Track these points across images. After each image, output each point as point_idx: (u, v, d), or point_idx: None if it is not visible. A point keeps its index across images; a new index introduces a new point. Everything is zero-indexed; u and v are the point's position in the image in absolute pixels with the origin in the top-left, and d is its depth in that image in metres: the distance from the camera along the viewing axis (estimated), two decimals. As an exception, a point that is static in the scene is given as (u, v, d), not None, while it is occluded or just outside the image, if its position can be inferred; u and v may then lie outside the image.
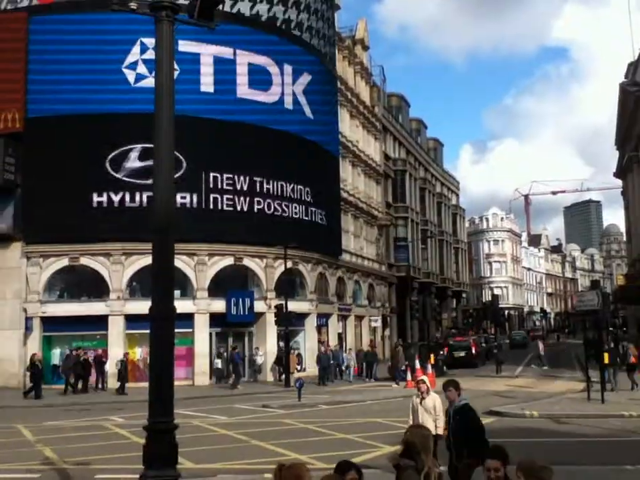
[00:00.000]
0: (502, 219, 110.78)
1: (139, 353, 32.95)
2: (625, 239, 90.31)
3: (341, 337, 43.74)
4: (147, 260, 27.66)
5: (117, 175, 32.44)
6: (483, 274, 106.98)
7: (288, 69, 37.95)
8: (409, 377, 30.69)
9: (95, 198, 32.43)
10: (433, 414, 10.90)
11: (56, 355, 33.02)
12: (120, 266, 32.75)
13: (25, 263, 32.48)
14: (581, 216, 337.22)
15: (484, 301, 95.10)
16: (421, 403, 10.95)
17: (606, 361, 24.72)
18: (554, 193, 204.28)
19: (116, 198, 32.47)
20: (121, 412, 22.24)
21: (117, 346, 32.38)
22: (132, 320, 31.42)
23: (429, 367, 31.61)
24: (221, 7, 6.89)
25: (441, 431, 10.52)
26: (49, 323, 32.55)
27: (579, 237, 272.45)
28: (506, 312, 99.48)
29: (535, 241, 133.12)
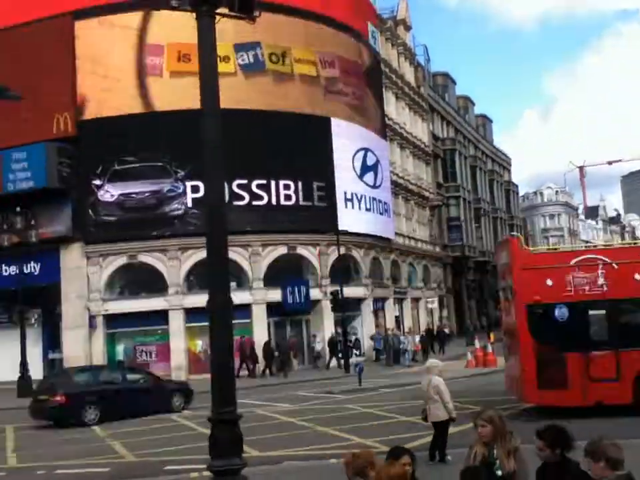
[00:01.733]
0: (557, 192, 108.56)
1: (200, 345, 33.44)
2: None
3: (398, 320, 43.62)
4: (203, 254, 28.00)
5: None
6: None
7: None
8: (469, 356, 30.52)
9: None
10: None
11: (120, 351, 33.81)
12: (176, 261, 33.26)
13: (86, 263, 33.26)
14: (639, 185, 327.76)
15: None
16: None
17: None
18: (610, 162, 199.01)
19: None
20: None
21: (179, 339, 32.96)
22: (191, 313, 31.88)
23: (489, 345, 31.33)
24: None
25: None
26: (111, 320, 33.31)
27: (638, 207, 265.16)
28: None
29: (592, 213, 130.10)
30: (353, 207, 38.02)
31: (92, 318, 32.73)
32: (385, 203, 41.81)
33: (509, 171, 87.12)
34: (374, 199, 39.96)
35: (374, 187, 40.12)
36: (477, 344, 31.83)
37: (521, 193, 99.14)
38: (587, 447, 4.68)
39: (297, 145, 35.06)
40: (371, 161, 40.10)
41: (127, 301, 33.58)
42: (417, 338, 38.31)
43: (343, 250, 34.92)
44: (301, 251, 35.98)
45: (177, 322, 33.10)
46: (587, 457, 4.65)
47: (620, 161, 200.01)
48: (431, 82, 61.26)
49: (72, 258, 33.38)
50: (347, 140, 37.95)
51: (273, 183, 34.70)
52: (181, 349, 32.95)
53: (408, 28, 54.89)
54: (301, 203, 35.44)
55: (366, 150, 39.60)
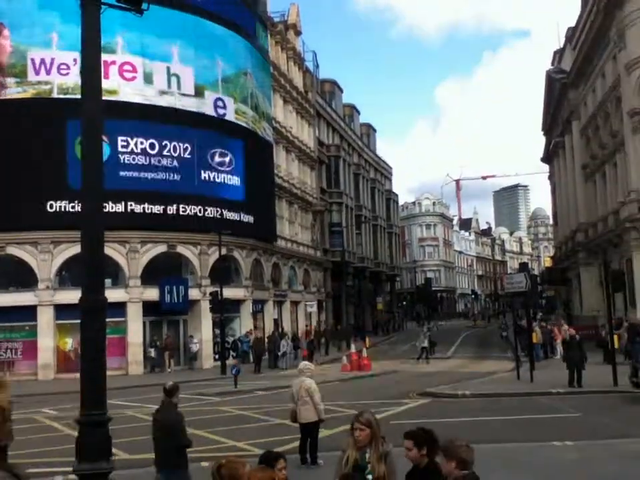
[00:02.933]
0: (434, 203, 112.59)
1: (70, 343, 32.24)
2: (551, 222, 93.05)
3: (277, 323, 43.77)
4: (77, 248, 27.12)
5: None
6: (416, 258, 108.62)
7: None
8: (344, 360, 31.07)
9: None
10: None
11: (-18, 348, 32.03)
12: (48, 255, 31.90)
13: (-53, 253, 31.31)
14: (510, 200, 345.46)
15: (417, 284, 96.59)
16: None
17: (535, 340, 25.53)
18: (484, 177, 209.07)
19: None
20: (51, 404, 21.76)
21: (47, 336, 31.62)
22: (62, 310, 30.68)
23: (364, 350, 32.04)
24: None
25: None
26: (-25, 314, 31.53)
27: (507, 221, 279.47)
28: (438, 294, 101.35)
29: (465, 224, 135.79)
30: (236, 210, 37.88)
31: (-48, 312, 30.84)
32: (269, 206, 41.91)
33: (390, 180, 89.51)
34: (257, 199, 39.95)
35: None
36: (353, 348, 32.46)
37: (401, 202, 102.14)
38: (441, 446, 4.97)
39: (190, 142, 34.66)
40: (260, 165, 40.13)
41: (-8, 294, 31.88)
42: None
43: (224, 250, 34.69)
44: (181, 249, 35.42)
45: (46, 318, 31.75)
46: (440, 454, 4.95)
47: (493, 176, 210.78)
48: (319, 88, 61.99)
49: None
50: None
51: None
52: (50, 346, 31.63)
53: (298, 33, 55.29)
54: (185, 200, 34.92)
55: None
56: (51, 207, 31.38)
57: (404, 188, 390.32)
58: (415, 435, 5.40)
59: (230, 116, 38.08)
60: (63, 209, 31.21)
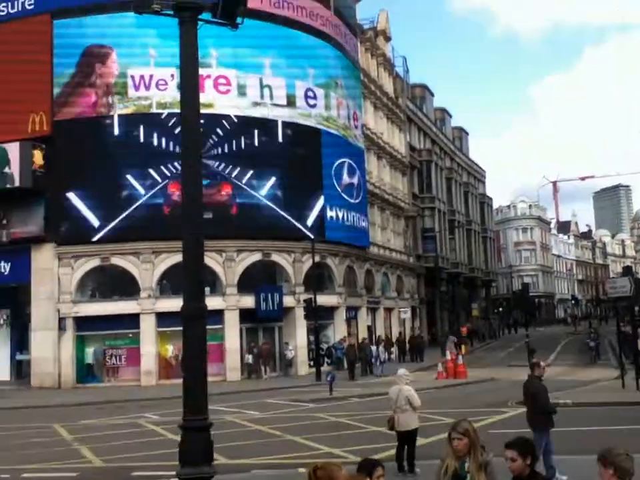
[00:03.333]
0: (530, 206, 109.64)
1: (171, 350, 33.23)
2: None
3: (371, 330, 43.68)
4: (176, 258, 27.99)
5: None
6: (513, 262, 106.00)
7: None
8: (439, 368, 30.66)
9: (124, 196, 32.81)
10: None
11: (89, 354, 33.46)
12: (150, 264, 33.02)
13: (57, 264, 32.89)
14: (611, 201, 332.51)
15: (514, 289, 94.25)
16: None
17: (640, 347, 24.38)
18: (582, 178, 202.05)
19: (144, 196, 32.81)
20: (154, 409, 22.46)
21: (149, 343, 32.70)
22: (163, 317, 31.69)
23: (460, 357, 31.52)
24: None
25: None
26: (82, 322, 32.97)
27: (609, 223, 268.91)
28: (536, 300, 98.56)
29: (564, 227, 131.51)
30: (334, 218, 38.24)
31: (61, 320, 32.35)
32: (362, 213, 41.96)
33: (484, 183, 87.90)
34: (351, 208, 40.08)
35: (353, 197, 40.37)
36: (448, 355, 31.98)
37: (495, 206, 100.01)
38: (600, 453, 4.79)
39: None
40: (350, 171, 40.33)
41: (97, 303, 33.30)
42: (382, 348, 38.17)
43: (317, 258, 34.94)
44: (275, 257, 35.93)
45: (148, 326, 32.84)
46: (598, 462, 4.75)
47: (592, 177, 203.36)
48: (409, 93, 61.64)
49: (43, 259, 32.99)
50: (332, 150, 38.33)
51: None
52: (152, 353, 32.69)
53: (388, 39, 55.24)
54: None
55: (347, 162, 39.87)
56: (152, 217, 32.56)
57: (500, 191, 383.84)
58: (520, 444, 5.27)
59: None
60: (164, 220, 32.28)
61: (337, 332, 38.61)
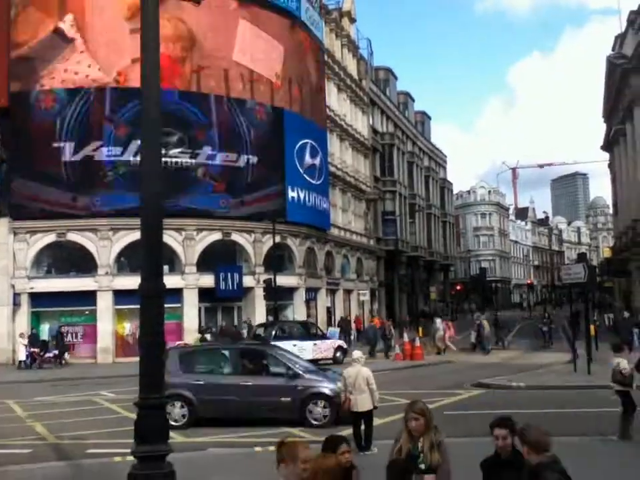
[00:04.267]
0: (489, 192, 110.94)
1: (128, 328, 32.99)
2: (611, 211, 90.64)
3: (330, 311, 43.91)
4: (135, 235, 27.62)
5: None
6: (471, 247, 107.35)
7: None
8: (397, 349, 30.97)
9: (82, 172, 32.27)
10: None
11: (44, 331, 32.99)
12: (108, 241, 32.62)
13: (12, 239, 32.28)
14: (568, 189, 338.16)
15: (472, 274, 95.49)
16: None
17: (592, 333, 24.97)
18: (541, 166, 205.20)
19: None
20: (110, 387, 22.29)
21: (106, 321, 32.39)
22: (120, 295, 31.41)
23: (417, 339, 31.86)
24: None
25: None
26: (37, 298, 32.48)
27: (565, 210, 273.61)
28: (493, 285, 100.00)
29: (522, 214, 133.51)
30: (295, 199, 38.20)
31: (16, 295, 31.84)
32: (323, 194, 41.99)
33: (445, 168, 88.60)
34: (313, 189, 40.07)
35: (315, 179, 40.34)
36: (406, 337, 32.31)
37: (456, 191, 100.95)
38: (518, 430, 4.93)
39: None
40: (313, 153, 40.26)
41: (54, 279, 32.81)
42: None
43: (278, 239, 34.92)
44: (235, 237, 35.80)
45: (105, 303, 32.52)
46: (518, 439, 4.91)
47: (551, 164, 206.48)
48: (373, 76, 61.64)
49: (-2, 233, 32.33)
50: (295, 132, 38.17)
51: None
52: (108, 331, 32.41)
53: (352, 20, 55.05)
54: (240, 189, 35.29)
55: (309, 143, 39.78)
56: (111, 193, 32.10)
57: (468, 176, 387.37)
58: (510, 423, 5.38)
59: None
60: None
61: (296, 312, 38.73)
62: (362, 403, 11.70)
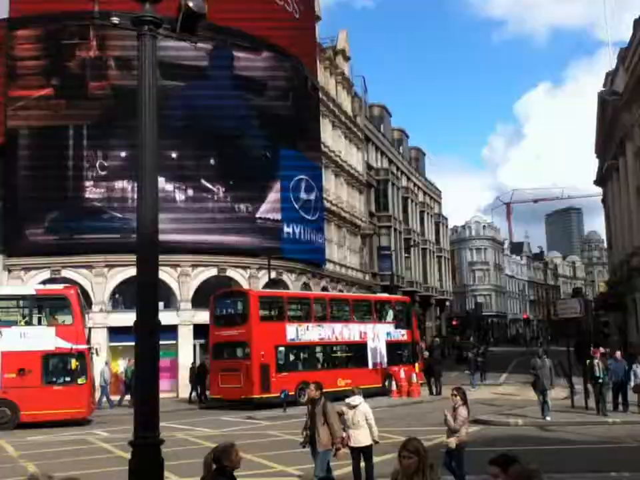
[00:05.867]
0: (484, 227, 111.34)
1: (122, 366, 32.67)
2: (606, 245, 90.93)
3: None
4: (130, 272, 27.52)
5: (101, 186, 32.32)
6: (466, 282, 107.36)
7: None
8: (393, 386, 30.72)
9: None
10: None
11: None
12: (102, 278, 32.54)
13: (7, 276, 32.18)
14: (562, 223, 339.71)
15: (467, 309, 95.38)
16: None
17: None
18: (535, 201, 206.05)
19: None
20: (104, 426, 22.04)
21: (100, 358, 32.04)
22: (115, 332, 31.22)
23: (414, 375, 31.63)
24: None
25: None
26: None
27: (560, 245, 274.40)
28: (489, 320, 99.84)
29: (517, 248, 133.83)
30: (290, 234, 38.27)
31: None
32: (318, 230, 42.06)
33: (440, 203, 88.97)
34: (308, 225, 40.15)
35: (310, 215, 40.47)
36: (402, 374, 32.07)
37: (450, 226, 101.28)
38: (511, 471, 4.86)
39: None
40: (308, 189, 40.45)
41: (48, 317, 32.54)
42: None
43: (273, 274, 34.87)
44: (231, 273, 35.75)
45: (99, 340, 32.18)
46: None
47: (545, 199, 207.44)
48: (368, 113, 62.22)
49: (-8, 270, 32.24)
50: (290, 169, 38.42)
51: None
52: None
53: (347, 58, 55.76)
54: (235, 224, 35.35)
55: (304, 179, 39.99)
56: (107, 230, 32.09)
57: (475, 206, 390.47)
58: (501, 461, 5.32)
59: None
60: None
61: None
62: (360, 438, 11.59)
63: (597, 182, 66.36)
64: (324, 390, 11.75)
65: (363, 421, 11.58)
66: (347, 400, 12.02)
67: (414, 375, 31.61)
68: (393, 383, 30.96)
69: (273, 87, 38.62)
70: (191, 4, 6.40)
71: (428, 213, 75.83)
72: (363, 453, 11.64)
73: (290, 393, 25.82)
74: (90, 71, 33.23)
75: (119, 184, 32.50)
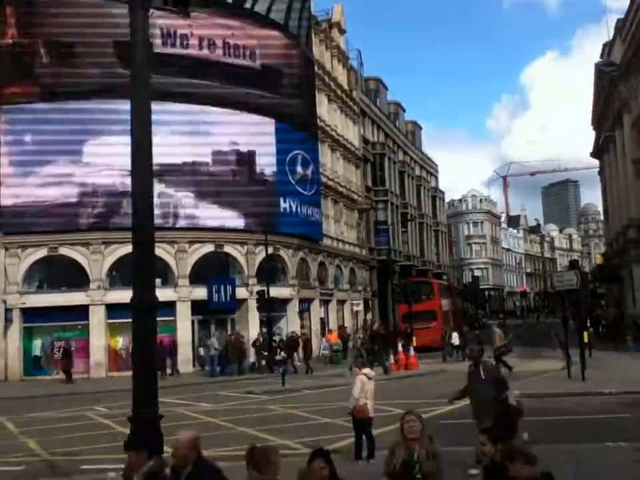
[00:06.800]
0: (480, 200, 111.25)
1: (121, 342, 32.82)
2: (602, 218, 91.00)
3: (323, 322, 43.83)
4: (127, 249, 27.52)
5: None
6: (463, 256, 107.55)
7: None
8: (391, 359, 30.89)
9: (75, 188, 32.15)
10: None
11: (37, 346, 32.81)
12: (100, 255, 32.52)
13: (3, 254, 32.14)
14: (559, 196, 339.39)
15: (465, 282, 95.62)
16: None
17: (586, 339, 24.97)
18: (532, 174, 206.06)
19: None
20: (103, 402, 22.16)
21: (99, 335, 32.23)
22: (113, 309, 31.29)
23: (411, 349, 31.81)
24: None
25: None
26: (29, 314, 32.30)
27: (557, 217, 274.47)
28: (486, 293, 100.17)
29: (513, 221, 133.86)
30: (287, 210, 38.17)
31: (8, 311, 31.65)
32: (315, 205, 41.97)
33: (436, 177, 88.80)
34: (304, 200, 40.05)
35: (306, 190, 40.32)
36: (400, 347, 32.25)
37: (447, 200, 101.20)
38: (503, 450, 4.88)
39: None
40: (304, 164, 40.26)
41: (46, 294, 32.61)
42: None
43: (270, 250, 34.87)
44: (228, 249, 35.75)
45: (97, 317, 32.37)
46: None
47: (544, 172, 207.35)
48: (363, 86, 61.81)
49: (-11, 249, 32.19)
50: (285, 143, 38.14)
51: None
52: (101, 345, 32.24)
53: (342, 31, 55.25)
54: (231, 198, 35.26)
55: (300, 154, 39.79)
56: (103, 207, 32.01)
57: (477, 180, 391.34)
58: (489, 430, 5.36)
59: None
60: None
61: (289, 324, 38.63)
62: (372, 408, 11.84)
63: (594, 154, 66.21)
64: None
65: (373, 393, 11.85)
66: (364, 371, 12.06)
67: (412, 349, 31.79)
68: (391, 356, 31.13)
69: (268, 62, 38.21)
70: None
71: (424, 187, 75.68)
72: (366, 425, 11.79)
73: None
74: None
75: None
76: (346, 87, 53.94)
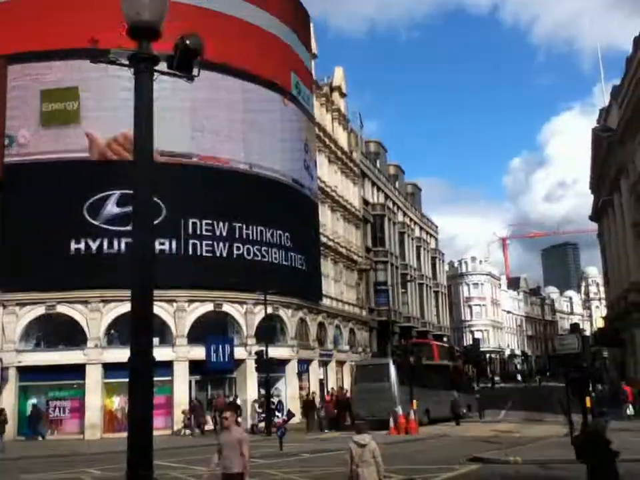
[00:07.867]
0: (480, 262, 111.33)
1: (117, 402, 32.36)
2: (602, 281, 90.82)
3: (322, 383, 43.34)
4: (125, 307, 27.47)
5: (95, 222, 32.26)
6: (464, 317, 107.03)
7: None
8: (391, 423, 30.41)
9: (73, 245, 32.19)
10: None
11: (30, 406, 32.31)
12: (97, 313, 32.36)
13: (1, 312, 31.99)
14: (559, 258, 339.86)
15: (465, 344, 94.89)
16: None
17: (588, 404, 24.61)
18: (531, 236, 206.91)
19: (94, 245, 32.25)
20: (98, 464, 21.70)
21: (95, 395, 31.81)
22: (110, 368, 30.95)
23: (412, 412, 31.34)
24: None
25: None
26: (25, 372, 31.95)
27: (557, 279, 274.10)
28: (487, 355, 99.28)
29: (513, 283, 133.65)
30: (287, 270, 38.22)
31: (4, 370, 31.30)
32: (315, 265, 42.03)
33: (436, 238, 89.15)
34: (304, 260, 40.12)
35: (306, 250, 40.47)
36: (400, 411, 31.77)
37: (447, 261, 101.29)
38: None
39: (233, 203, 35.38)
40: (304, 224, 40.56)
41: (42, 353, 32.36)
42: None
43: (270, 310, 34.74)
44: (227, 308, 35.62)
45: (94, 377, 32.00)
46: None
47: (542, 235, 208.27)
48: (364, 148, 62.66)
49: (-14, 306, 32.05)
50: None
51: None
52: (97, 405, 31.79)
53: (343, 95, 56.34)
54: (230, 259, 35.27)
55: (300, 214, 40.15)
56: (101, 266, 31.98)
57: (486, 239, 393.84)
58: None
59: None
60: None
61: (288, 385, 38.20)
62: (369, 475, 11.40)
63: (592, 217, 66.60)
64: None
65: (371, 459, 11.39)
66: (355, 438, 11.82)
67: (412, 413, 31.32)
68: (391, 419, 30.66)
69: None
70: (187, 41, 6.45)
71: (424, 248, 75.92)
72: None
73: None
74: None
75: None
76: (346, 148, 54.69)
